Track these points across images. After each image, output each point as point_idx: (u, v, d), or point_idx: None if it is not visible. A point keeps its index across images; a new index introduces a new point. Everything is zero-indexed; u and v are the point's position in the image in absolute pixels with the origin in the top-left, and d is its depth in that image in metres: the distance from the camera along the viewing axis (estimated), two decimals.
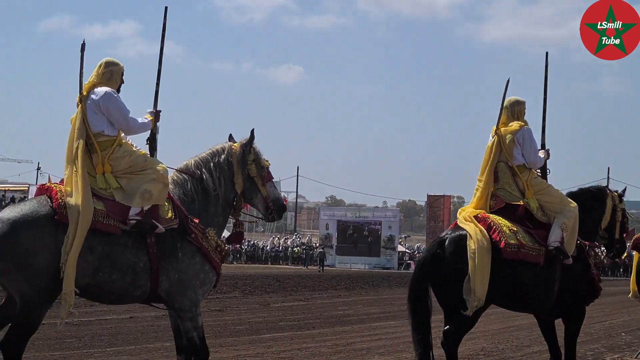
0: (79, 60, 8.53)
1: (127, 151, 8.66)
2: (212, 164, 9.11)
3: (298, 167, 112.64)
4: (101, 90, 8.59)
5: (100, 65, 8.71)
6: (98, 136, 8.54)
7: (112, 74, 8.78)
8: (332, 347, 14.29)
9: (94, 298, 8.77)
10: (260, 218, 9.62)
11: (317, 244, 79.94)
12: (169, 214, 8.54)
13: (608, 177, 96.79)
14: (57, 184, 8.49)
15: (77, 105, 8.64)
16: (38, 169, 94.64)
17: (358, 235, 76.08)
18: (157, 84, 9.50)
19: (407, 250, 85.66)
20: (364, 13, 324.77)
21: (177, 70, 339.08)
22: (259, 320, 18.80)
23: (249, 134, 9.30)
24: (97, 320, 17.67)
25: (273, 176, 9.44)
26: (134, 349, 13.51)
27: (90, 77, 8.66)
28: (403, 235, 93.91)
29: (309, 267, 71.43)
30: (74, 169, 8.30)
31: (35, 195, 8.50)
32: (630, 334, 17.28)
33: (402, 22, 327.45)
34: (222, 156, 9.20)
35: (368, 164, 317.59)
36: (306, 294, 30.21)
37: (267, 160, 9.38)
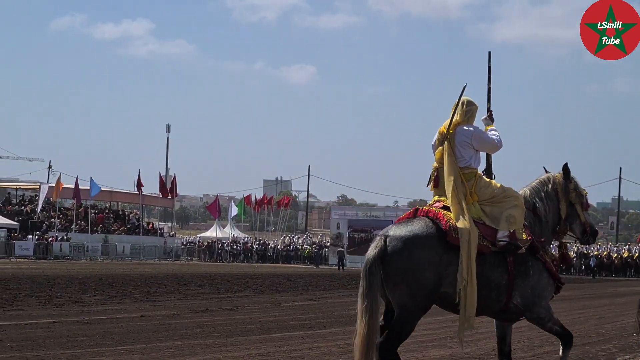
0: (457, 97, 9.58)
1: (487, 182, 9.60)
2: (542, 194, 10.01)
3: (309, 167, 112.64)
4: (470, 128, 9.56)
5: (462, 104, 9.57)
6: (464, 169, 9.47)
7: (471, 112, 9.66)
8: (343, 347, 14.25)
9: (455, 310, 9.32)
10: (577, 238, 10.35)
11: (329, 243, 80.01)
12: (524, 236, 9.37)
13: (620, 177, 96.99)
14: (436, 207, 9.33)
15: (440, 141, 9.61)
16: (49, 167, 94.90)
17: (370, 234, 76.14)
18: (489, 81, 10.40)
19: None
20: (376, 12, 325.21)
21: (190, 69, 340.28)
22: (270, 320, 18.79)
23: (562, 167, 10.18)
24: (108, 319, 17.68)
25: (590, 204, 10.40)
26: (145, 347, 13.52)
27: (454, 115, 9.54)
28: None
29: (320, 266, 71.45)
30: (456, 198, 9.22)
31: (409, 216, 9.36)
32: None
33: (413, 22, 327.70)
34: (550, 185, 10.08)
35: (379, 163, 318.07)
36: (317, 293, 30.19)
37: (584, 190, 10.26)
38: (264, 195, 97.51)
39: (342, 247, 70.62)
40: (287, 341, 14.87)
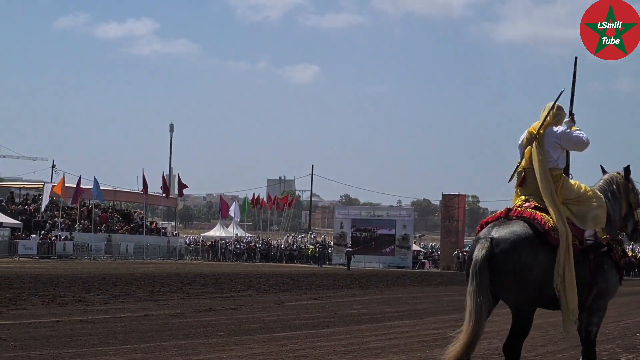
0: (553, 102, 10.06)
1: (572, 183, 10.04)
2: (609, 193, 10.40)
3: (313, 166, 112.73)
4: (559, 129, 10.04)
5: (553, 108, 10.06)
6: (552, 170, 9.91)
7: (560, 117, 10.13)
8: (346, 346, 14.27)
9: (546, 306, 9.78)
10: (627, 235, 10.84)
11: (332, 243, 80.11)
12: (604, 234, 9.91)
13: None
14: (526, 207, 9.71)
15: (529, 140, 10.02)
16: (53, 166, 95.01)
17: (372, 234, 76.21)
18: (573, 86, 10.69)
19: (421, 250, 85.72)
20: (379, 12, 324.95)
21: (193, 69, 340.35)
22: (273, 319, 18.79)
23: (624, 168, 10.68)
24: (111, 318, 17.70)
25: None
26: (148, 346, 13.52)
27: (544, 118, 10.01)
28: (417, 235, 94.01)
29: (323, 266, 71.46)
30: (550, 199, 9.67)
31: (502, 216, 9.73)
32: None
33: (417, 21, 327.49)
34: (614, 185, 10.53)
35: (383, 163, 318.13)
36: (320, 292, 30.20)
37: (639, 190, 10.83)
38: (268, 194, 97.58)
39: (350, 247, 70.64)
40: (291, 340, 14.87)
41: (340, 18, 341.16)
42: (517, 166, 10.12)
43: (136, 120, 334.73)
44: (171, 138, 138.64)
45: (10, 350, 12.68)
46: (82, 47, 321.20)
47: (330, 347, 14.12)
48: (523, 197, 9.95)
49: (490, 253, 9.22)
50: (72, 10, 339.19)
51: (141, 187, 78.34)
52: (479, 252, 9.27)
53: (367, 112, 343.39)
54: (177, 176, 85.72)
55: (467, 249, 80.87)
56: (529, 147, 9.98)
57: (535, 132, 9.95)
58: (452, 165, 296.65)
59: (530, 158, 9.92)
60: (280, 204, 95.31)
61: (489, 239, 9.32)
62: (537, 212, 9.56)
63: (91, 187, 70.43)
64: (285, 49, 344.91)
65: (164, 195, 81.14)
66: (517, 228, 9.37)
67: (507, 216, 9.67)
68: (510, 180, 10.20)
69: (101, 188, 73.92)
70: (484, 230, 9.58)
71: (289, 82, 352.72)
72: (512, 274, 9.16)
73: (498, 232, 9.36)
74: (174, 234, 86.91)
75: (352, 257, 66.60)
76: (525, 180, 9.98)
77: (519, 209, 9.71)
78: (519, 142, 10.20)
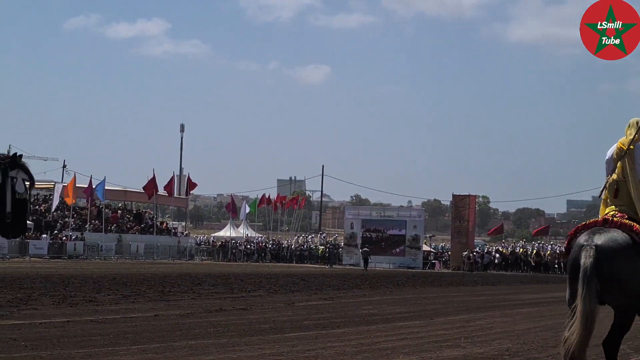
0: None
1: None
2: None
3: (323, 166, 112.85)
4: None
5: (637, 123, 10.41)
6: None
7: None
8: (356, 347, 14.24)
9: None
10: None
11: (343, 243, 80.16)
12: None
13: None
14: (619, 217, 10.04)
15: (619, 156, 10.36)
16: (64, 167, 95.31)
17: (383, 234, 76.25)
18: None
19: (432, 250, 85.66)
20: (390, 12, 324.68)
21: (204, 69, 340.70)
22: (283, 319, 18.78)
23: None
24: (122, 318, 17.71)
25: None
26: (159, 347, 13.53)
27: (633, 134, 10.34)
28: (428, 235, 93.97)
29: (333, 266, 71.46)
30: None
31: (598, 224, 10.02)
32: None
33: (428, 21, 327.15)
34: None
35: (393, 163, 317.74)
36: (331, 293, 30.17)
37: None
38: (278, 194, 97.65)
39: (367, 247, 70.57)
40: (301, 341, 14.86)
41: (351, 18, 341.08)
42: (607, 180, 10.46)
43: (147, 121, 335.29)
44: (182, 138, 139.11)
45: (21, 350, 12.70)
46: (93, 47, 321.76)
47: (340, 347, 14.11)
48: (614, 207, 10.32)
49: (597, 260, 9.54)
50: (84, 10, 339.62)
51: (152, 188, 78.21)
52: (586, 260, 9.56)
53: (378, 113, 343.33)
54: (187, 176, 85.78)
55: (477, 249, 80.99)
56: (620, 162, 10.34)
57: (625, 148, 10.30)
58: (463, 166, 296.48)
59: (622, 172, 10.29)
60: (287, 203, 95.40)
61: (593, 247, 9.64)
62: (635, 223, 9.91)
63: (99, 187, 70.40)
64: (296, 50, 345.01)
65: (177, 194, 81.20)
66: (618, 236, 9.73)
67: (603, 224, 10.00)
68: (600, 195, 10.59)
69: (112, 188, 73.97)
70: (584, 237, 9.88)
71: (300, 83, 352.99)
72: (616, 281, 9.54)
73: (600, 239, 9.69)
74: (185, 234, 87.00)
75: (369, 257, 66.54)
76: (618, 192, 10.31)
77: (615, 219, 10.03)
78: (607, 157, 10.56)
